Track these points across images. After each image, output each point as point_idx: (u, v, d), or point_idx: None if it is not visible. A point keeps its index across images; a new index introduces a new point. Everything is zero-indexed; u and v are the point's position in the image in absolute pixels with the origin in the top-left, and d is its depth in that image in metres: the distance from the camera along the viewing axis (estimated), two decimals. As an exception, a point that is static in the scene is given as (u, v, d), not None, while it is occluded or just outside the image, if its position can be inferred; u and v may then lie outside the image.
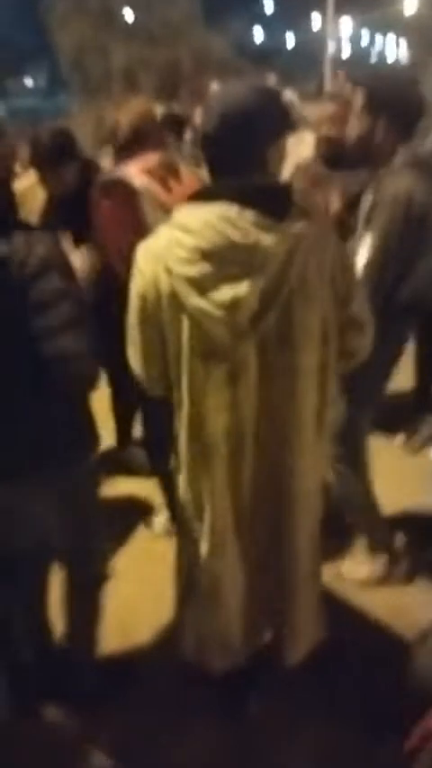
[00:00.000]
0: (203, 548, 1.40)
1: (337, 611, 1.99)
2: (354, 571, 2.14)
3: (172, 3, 8.95)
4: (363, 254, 1.69)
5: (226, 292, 1.14)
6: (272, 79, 5.06)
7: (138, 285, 1.22)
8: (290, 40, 22.88)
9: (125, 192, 1.75)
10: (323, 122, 2.39)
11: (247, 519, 1.39)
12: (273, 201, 1.16)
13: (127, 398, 2.68)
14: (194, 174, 1.52)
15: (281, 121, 1.21)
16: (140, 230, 1.69)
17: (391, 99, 1.72)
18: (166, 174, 1.59)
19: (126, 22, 8.89)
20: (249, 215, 1.12)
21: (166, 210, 1.33)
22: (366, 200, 1.76)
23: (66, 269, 1.23)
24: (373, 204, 1.71)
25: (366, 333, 1.36)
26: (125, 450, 2.83)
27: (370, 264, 1.68)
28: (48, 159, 2.10)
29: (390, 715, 1.54)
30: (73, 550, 1.52)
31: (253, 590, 1.48)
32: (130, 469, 2.74)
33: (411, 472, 2.78)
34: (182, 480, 1.39)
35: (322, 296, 1.23)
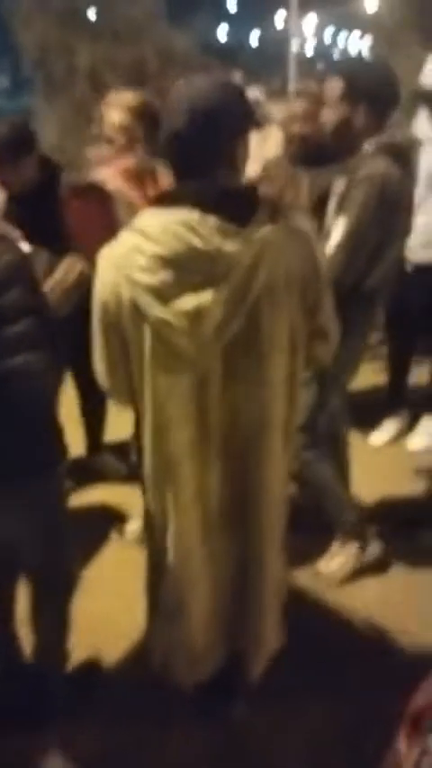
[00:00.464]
0: (169, 559, 1.37)
1: (315, 608, 1.99)
2: (328, 566, 2.15)
3: (135, 1, 8.87)
4: (335, 237, 1.69)
5: (188, 301, 1.09)
6: (237, 77, 5.03)
7: (99, 293, 1.17)
8: (254, 37, 22.96)
9: (98, 195, 1.72)
10: (293, 120, 2.37)
11: (213, 530, 1.37)
12: (237, 205, 1.13)
13: (96, 405, 2.63)
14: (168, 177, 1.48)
15: (246, 117, 1.19)
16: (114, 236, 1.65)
17: (370, 86, 1.75)
18: (143, 176, 1.55)
19: (90, 21, 8.76)
20: (212, 220, 1.09)
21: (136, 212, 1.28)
22: (339, 185, 1.75)
23: (30, 279, 1.18)
24: (347, 187, 1.71)
25: (331, 341, 1.34)
26: (96, 456, 2.79)
27: (342, 246, 1.68)
28: (5, 152, 2.04)
29: (372, 709, 1.53)
30: (40, 561, 1.49)
31: (218, 602, 1.46)
32: (102, 476, 2.70)
33: (386, 464, 2.80)
34: (147, 492, 1.36)
35: (290, 304, 1.21)
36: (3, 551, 1.42)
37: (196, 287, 1.09)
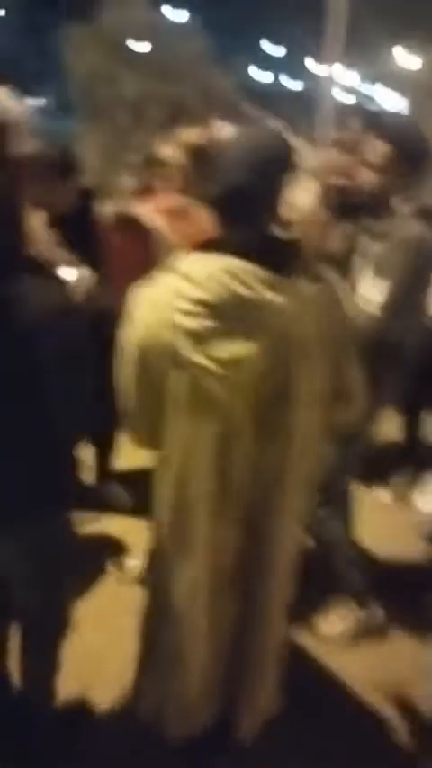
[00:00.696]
0: (172, 609, 1.33)
1: (312, 667, 1.93)
2: (329, 627, 2.09)
3: (184, 41, 9.19)
4: (376, 298, 1.69)
5: (227, 349, 1.09)
6: (276, 124, 5.16)
7: (134, 334, 1.16)
8: (291, 84, 23.59)
9: (137, 229, 1.73)
10: (330, 170, 2.40)
11: (221, 584, 1.32)
12: (281, 257, 1.12)
13: (106, 432, 2.61)
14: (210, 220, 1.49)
15: (293, 169, 1.20)
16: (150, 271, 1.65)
17: (415, 154, 1.76)
18: (183, 217, 1.55)
19: (139, 55, 9.08)
20: (257, 270, 1.08)
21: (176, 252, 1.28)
22: (367, 243, 1.76)
23: (74, 318, 1.16)
24: (385, 250, 1.71)
25: (354, 408, 1.32)
26: (104, 485, 2.75)
27: (387, 308, 1.68)
28: (52, 175, 2.08)
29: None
30: (35, 604, 1.43)
31: (217, 657, 1.41)
32: (107, 506, 2.66)
33: (394, 523, 2.75)
34: (158, 538, 1.32)
35: (321, 360, 1.20)
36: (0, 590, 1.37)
37: (235, 335, 1.08)
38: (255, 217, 1.12)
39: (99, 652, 1.91)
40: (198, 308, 1.08)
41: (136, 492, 2.65)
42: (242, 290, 1.07)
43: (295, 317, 1.12)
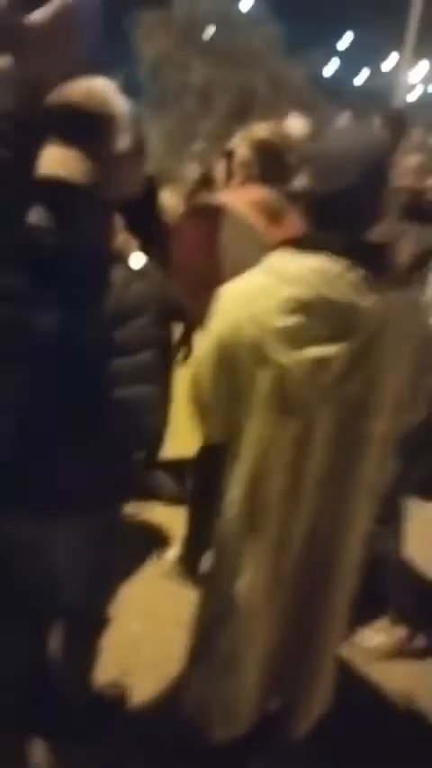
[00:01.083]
0: (234, 610, 1.31)
1: (352, 680, 1.90)
2: (371, 640, 2.05)
3: (255, 28, 9.10)
4: None
5: (315, 350, 1.07)
6: (346, 117, 5.03)
7: (219, 328, 1.15)
8: (362, 77, 23.07)
9: (215, 219, 1.68)
10: (407, 172, 2.32)
11: (284, 586, 1.31)
12: (375, 261, 1.09)
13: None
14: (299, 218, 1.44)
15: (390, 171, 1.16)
16: (225, 263, 1.61)
17: None
18: (271, 212, 1.49)
19: (208, 43, 9.05)
20: (351, 273, 1.05)
21: (265, 250, 1.25)
22: None
23: (159, 312, 1.14)
24: None
25: (418, 416, 1.29)
26: (150, 474, 2.76)
27: None
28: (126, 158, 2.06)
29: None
30: (79, 597, 1.40)
31: (273, 659, 1.39)
32: (152, 495, 2.67)
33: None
34: (222, 537, 1.31)
35: (402, 367, 1.16)
36: (45, 582, 1.34)
37: (323, 337, 1.07)
38: (356, 220, 1.10)
39: (138, 639, 1.92)
40: (288, 308, 1.06)
41: (181, 481, 2.65)
42: (334, 292, 1.05)
43: (383, 322, 1.09)
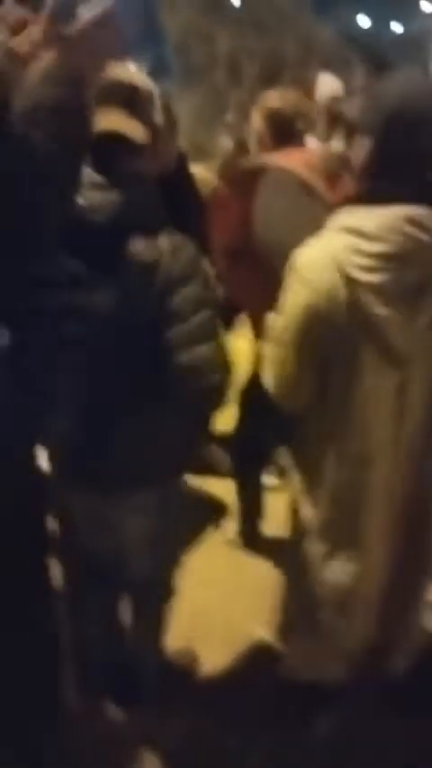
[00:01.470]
0: (343, 566, 1.35)
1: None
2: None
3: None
4: None
5: (409, 298, 1.10)
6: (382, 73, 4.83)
7: (305, 296, 1.15)
8: (396, 28, 22.09)
9: (269, 184, 1.63)
10: None
11: (394, 533, 1.35)
12: None
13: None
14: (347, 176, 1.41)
15: None
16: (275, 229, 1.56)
17: None
18: (329, 172, 1.46)
19: (234, 9, 8.83)
20: (430, 219, 1.07)
21: (328, 209, 1.24)
22: None
23: (206, 275, 1.17)
24: None
25: None
26: (205, 448, 2.78)
27: None
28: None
29: None
30: (146, 570, 1.45)
31: (382, 600, 1.42)
32: (206, 468, 2.70)
33: None
34: (319, 499, 1.33)
35: None
36: (115, 557, 1.39)
37: (415, 283, 1.10)
38: (429, 170, 1.11)
39: (204, 608, 1.96)
40: (379, 262, 1.08)
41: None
42: (426, 237, 1.07)
43: None
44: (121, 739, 1.62)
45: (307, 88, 3.08)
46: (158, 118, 1.21)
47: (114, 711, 1.65)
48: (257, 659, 1.85)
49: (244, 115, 3.13)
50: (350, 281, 1.10)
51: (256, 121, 2.01)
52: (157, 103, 1.23)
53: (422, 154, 1.10)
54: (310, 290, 1.13)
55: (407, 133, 1.09)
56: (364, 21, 21.59)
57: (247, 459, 2.30)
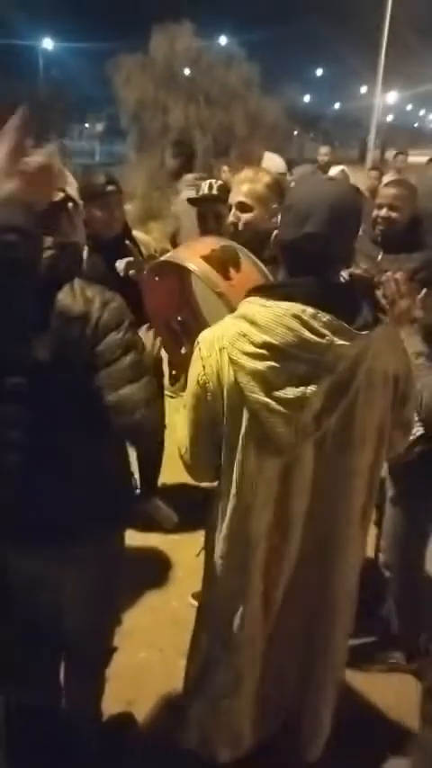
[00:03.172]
0: (229, 639, 1.34)
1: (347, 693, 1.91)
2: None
3: (231, 68, 9.40)
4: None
5: (292, 390, 1.12)
6: (325, 150, 5.18)
7: (199, 372, 1.20)
8: (336, 106, 23.88)
9: (178, 273, 1.73)
10: (384, 201, 2.36)
11: (280, 615, 1.34)
12: (345, 302, 1.14)
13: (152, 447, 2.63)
14: (255, 265, 1.50)
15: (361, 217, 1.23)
16: (191, 312, 1.70)
17: None
18: (226, 261, 1.55)
19: (186, 84, 9.31)
20: (323, 316, 1.10)
21: (223, 299, 1.34)
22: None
23: (131, 320, 1.26)
24: None
25: (410, 432, 1.35)
26: (149, 501, 2.79)
27: None
28: (100, 200, 2.12)
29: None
30: (83, 627, 1.44)
31: (274, 684, 1.42)
32: (151, 522, 2.70)
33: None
34: (213, 572, 1.34)
35: (383, 398, 1.21)
36: (51, 614, 1.38)
37: (299, 377, 1.12)
38: (326, 264, 1.16)
39: (143, 667, 1.94)
40: (264, 351, 1.12)
41: (178, 508, 2.69)
42: (309, 335, 1.11)
43: (360, 361, 1.14)
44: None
45: (252, 162, 3.29)
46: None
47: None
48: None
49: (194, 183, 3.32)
50: (235, 365, 1.15)
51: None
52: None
53: (317, 252, 1.12)
54: (203, 367, 1.19)
55: (295, 226, 1.12)
56: (307, 98, 23.19)
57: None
